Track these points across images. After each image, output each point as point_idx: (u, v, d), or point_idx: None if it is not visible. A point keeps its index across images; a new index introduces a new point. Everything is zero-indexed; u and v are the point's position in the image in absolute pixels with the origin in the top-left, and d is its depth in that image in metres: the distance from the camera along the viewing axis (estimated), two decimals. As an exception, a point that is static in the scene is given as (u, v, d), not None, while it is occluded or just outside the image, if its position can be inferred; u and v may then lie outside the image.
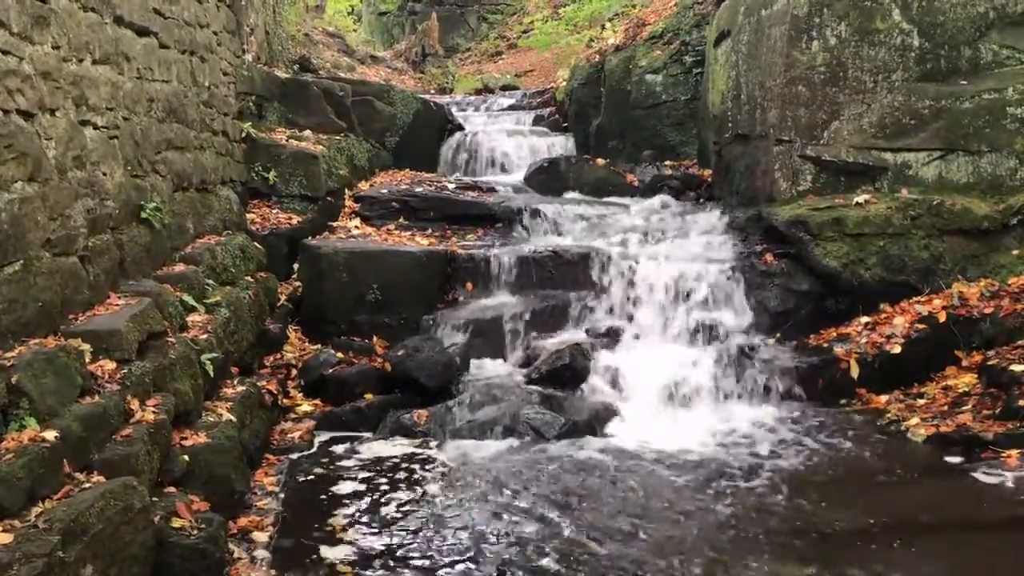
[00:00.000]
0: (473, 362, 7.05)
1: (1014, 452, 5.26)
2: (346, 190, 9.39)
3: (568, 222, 8.75)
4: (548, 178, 10.13)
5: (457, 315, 7.41)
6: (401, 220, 8.85)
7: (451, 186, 9.70)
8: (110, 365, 4.35)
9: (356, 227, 8.67)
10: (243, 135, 8.55)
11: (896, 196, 7.30)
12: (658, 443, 5.88)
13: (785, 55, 7.68)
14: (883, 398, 6.49)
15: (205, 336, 5.49)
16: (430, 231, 8.62)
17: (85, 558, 3.34)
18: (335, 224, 8.72)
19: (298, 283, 7.86)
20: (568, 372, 6.65)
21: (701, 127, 10.35)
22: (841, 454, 5.62)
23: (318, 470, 5.57)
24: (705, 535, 4.56)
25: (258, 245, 7.70)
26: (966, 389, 6.20)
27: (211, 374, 5.33)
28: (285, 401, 6.56)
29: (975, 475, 5.15)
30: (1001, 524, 4.55)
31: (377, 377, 6.73)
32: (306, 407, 6.53)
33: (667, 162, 10.41)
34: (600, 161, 10.40)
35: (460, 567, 4.25)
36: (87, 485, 3.66)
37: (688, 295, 7.35)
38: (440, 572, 4.21)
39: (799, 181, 7.74)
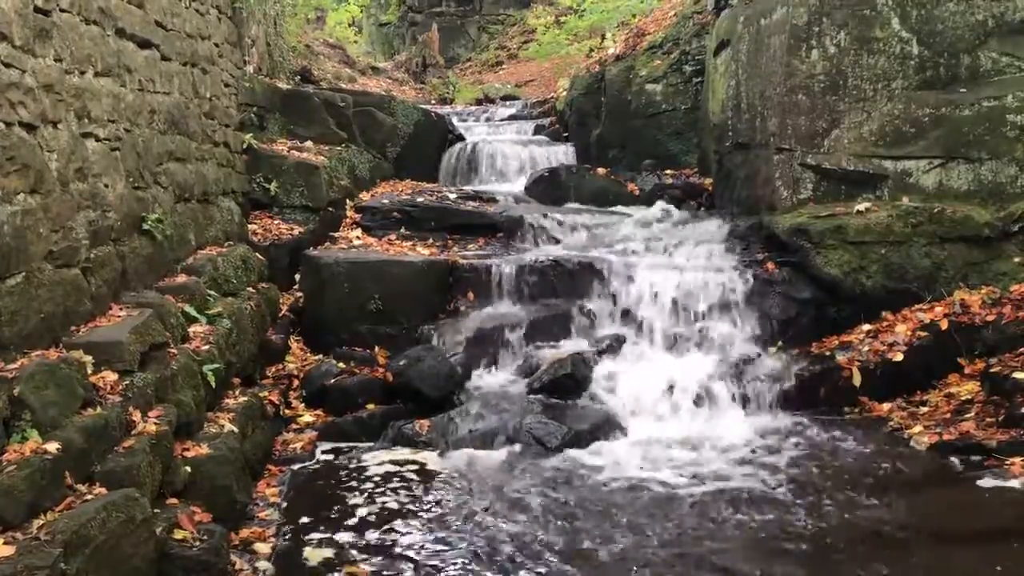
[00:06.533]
0: (475, 372, 7.04)
1: (1018, 460, 5.25)
2: (347, 200, 9.41)
3: (569, 231, 8.76)
4: (549, 187, 10.15)
5: (459, 325, 7.40)
6: (402, 230, 8.86)
7: (452, 196, 9.71)
8: (112, 376, 4.35)
9: (357, 237, 8.68)
10: (244, 146, 8.57)
11: (897, 204, 7.31)
12: (659, 452, 5.87)
13: (785, 64, 7.70)
14: (885, 406, 6.47)
15: (207, 347, 5.49)
16: (431, 241, 8.62)
17: (87, 570, 3.33)
18: (336, 234, 8.73)
19: (300, 294, 7.87)
20: (570, 381, 6.64)
21: (701, 136, 10.37)
22: (844, 463, 5.61)
23: (320, 481, 5.56)
24: (707, 545, 4.54)
25: (260, 256, 7.71)
26: (968, 397, 6.19)
27: (213, 385, 5.33)
28: (287, 412, 6.55)
29: (979, 483, 5.14)
30: (1006, 532, 4.53)
31: (379, 387, 6.73)
32: (308, 418, 6.53)
33: (668, 171, 10.42)
34: (601, 170, 10.41)
35: (463, 578, 4.24)
36: (89, 497, 3.66)
37: (689, 304, 7.34)
38: (442, 583, 4.21)
39: (800, 189, 7.75)
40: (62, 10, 4.75)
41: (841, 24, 7.50)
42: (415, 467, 5.74)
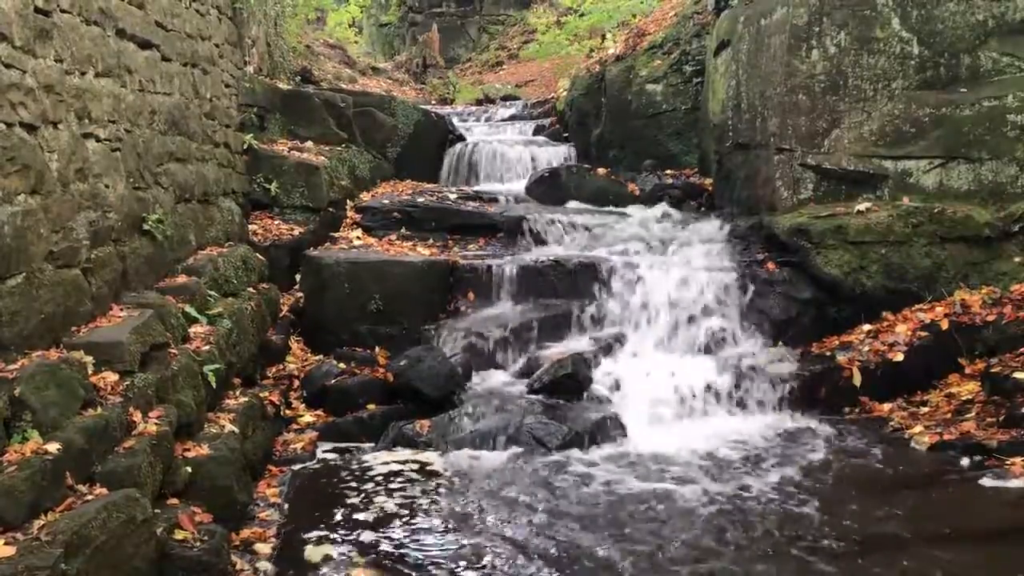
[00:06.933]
0: (475, 372, 7.04)
1: (1018, 460, 5.25)
2: (348, 201, 9.41)
3: (569, 232, 8.76)
4: (549, 188, 10.14)
5: (459, 325, 7.40)
6: (403, 230, 8.87)
7: (452, 196, 9.71)
8: (112, 377, 4.35)
9: (358, 238, 8.68)
10: (245, 146, 8.57)
11: (897, 204, 7.31)
12: (659, 452, 5.87)
13: (785, 64, 7.70)
14: (886, 406, 6.48)
15: (207, 347, 5.49)
16: (432, 241, 8.63)
17: (88, 571, 3.33)
18: (337, 235, 8.73)
19: (300, 294, 7.87)
20: (570, 381, 6.63)
21: (702, 136, 10.37)
22: (844, 463, 5.61)
23: (320, 481, 5.56)
24: (707, 548, 4.54)
25: (260, 256, 7.71)
26: (969, 397, 6.20)
27: (213, 385, 5.33)
28: (287, 412, 6.55)
29: (980, 483, 5.13)
30: (1007, 532, 4.54)
31: (379, 388, 6.73)
32: (308, 418, 6.53)
33: (668, 171, 10.43)
34: (601, 170, 10.41)
35: (463, 578, 4.24)
36: (89, 497, 3.66)
37: (690, 304, 7.34)
38: (443, 583, 4.21)
39: (800, 189, 7.75)
40: (62, 10, 4.75)
41: (841, 24, 7.50)
42: (416, 467, 5.74)
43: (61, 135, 4.62)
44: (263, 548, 4.53)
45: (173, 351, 5.03)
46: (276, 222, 8.59)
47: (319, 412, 6.62)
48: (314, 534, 4.72)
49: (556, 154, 11.33)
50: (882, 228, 7.15)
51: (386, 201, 9.40)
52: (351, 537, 4.68)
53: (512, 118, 14.12)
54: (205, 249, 6.90)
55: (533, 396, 6.57)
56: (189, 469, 4.53)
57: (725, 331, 7.17)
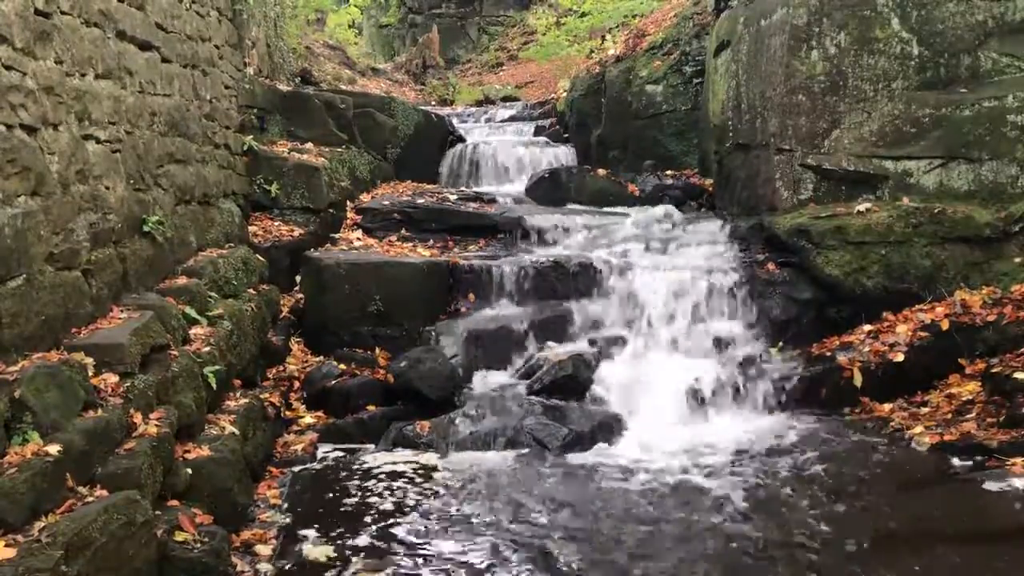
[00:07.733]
0: (475, 373, 7.04)
1: (1019, 460, 5.24)
2: (348, 202, 9.42)
3: (570, 232, 8.76)
4: (549, 189, 10.16)
5: (459, 326, 7.40)
6: (403, 232, 8.87)
7: (452, 197, 9.72)
8: (113, 379, 4.35)
9: (358, 239, 8.68)
10: (245, 148, 8.58)
11: (897, 204, 7.30)
12: (660, 454, 5.87)
13: (785, 64, 7.70)
14: (886, 406, 6.47)
15: (208, 349, 5.49)
16: (432, 242, 8.63)
17: (88, 572, 3.33)
18: (337, 236, 8.74)
19: (300, 295, 7.87)
20: (571, 382, 6.64)
21: (702, 137, 10.37)
22: (845, 463, 5.60)
23: (321, 482, 5.56)
24: (706, 549, 4.54)
25: (260, 257, 7.71)
26: (970, 397, 6.19)
27: (214, 387, 5.33)
28: (288, 413, 6.56)
29: (980, 484, 5.12)
30: (1008, 533, 4.53)
31: (379, 389, 6.73)
32: (309, 419, 6.53)
33: (668, 172, 10.44)
34: (601, 171, 10.42)
35: (464, 579, 4.24)
36: (90, 499, 3.66)
37: (690, 305, 7.33)
38: (444, 584, 4.21)
39: (800, 190, 7.75)
40: (63, 12, 4.75)
41: (841, 25, 7.50)
42: (416, 469, 5.74)
43: (61, 137, 4.62)
44: (263, 550, 4.53)
45: (173, 352, 5.03)
46: (276, 223, 8.60)
47: (319, 413, 6.62)
48: (314, 535, 4.72)
49: (556, 155, 11.34)
50: (882, 228, 7.15)
51: (386, 202, 9.40)
52: (351, 538, 4.68)
53: (512, 119, 14.13)
54: (205, 251, 6.91)
55: (533, 397, 6.57)
56: (190, 471, 4.53)
57: (725, 332, 7.16)
